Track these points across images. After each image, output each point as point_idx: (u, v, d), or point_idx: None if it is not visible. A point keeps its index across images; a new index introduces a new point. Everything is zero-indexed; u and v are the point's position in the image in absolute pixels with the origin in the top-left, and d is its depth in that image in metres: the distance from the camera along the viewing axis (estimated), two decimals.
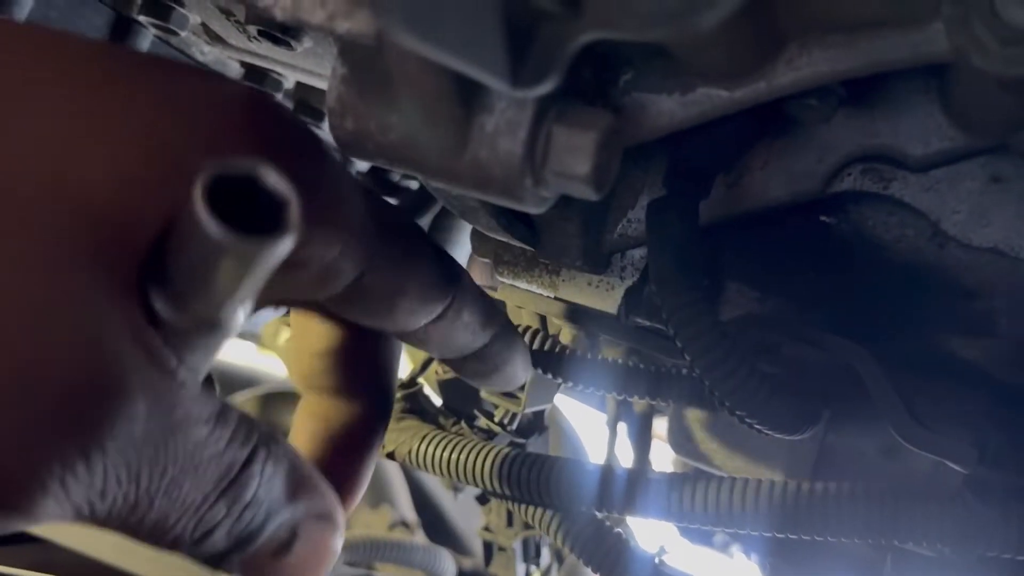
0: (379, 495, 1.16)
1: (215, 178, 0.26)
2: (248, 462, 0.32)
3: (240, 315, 0.31)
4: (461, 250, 1.05)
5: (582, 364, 0.54)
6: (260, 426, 0.33)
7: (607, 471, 0.55)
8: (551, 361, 0.54)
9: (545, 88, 0.30)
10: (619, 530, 0.57)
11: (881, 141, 0.44)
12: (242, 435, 0.32)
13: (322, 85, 0.56)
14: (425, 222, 0.96)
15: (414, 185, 1.01)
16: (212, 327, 0.31)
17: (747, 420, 0.41)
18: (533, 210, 0.37)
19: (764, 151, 0.45)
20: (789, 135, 0.45)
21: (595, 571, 0.57)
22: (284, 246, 0.27)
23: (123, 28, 0.53)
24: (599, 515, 0.57)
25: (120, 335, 0.28)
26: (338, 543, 0.36)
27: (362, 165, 0.91)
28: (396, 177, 0.98)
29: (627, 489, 0.54)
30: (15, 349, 0.26)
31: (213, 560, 0.32)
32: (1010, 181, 0.44)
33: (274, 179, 0.27)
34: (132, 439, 0.28)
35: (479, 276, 1.05)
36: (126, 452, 0.28)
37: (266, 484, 0.32)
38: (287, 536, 0.33)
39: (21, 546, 0.86)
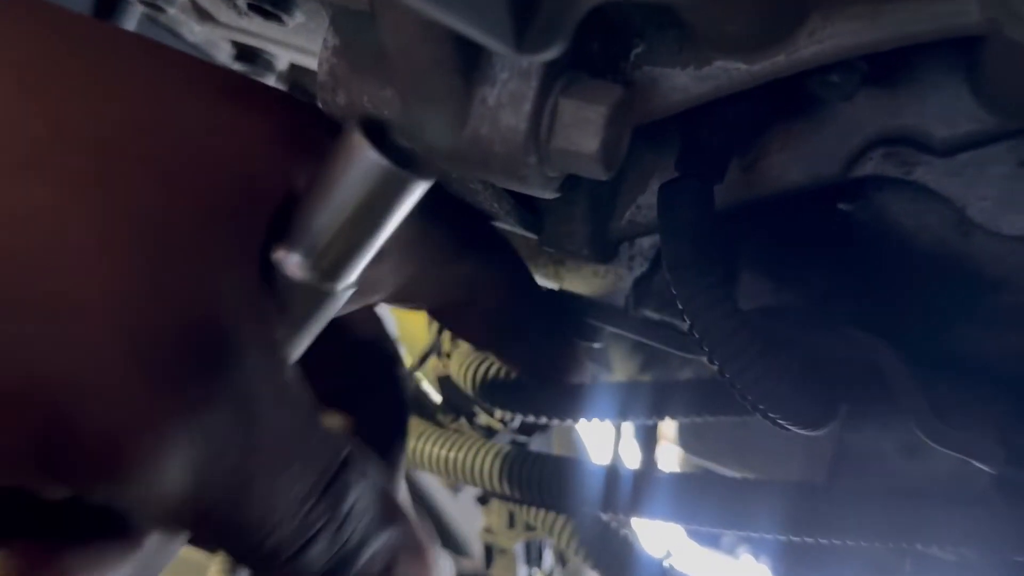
0: None
1: (363, 120, 0.29)
2: (344, 466, 0.30)
3: (349, 287, 0.32)
4: None
5: (580, 400, 0.52)
6: (348, 437, 0.32)
7: (612, 471, 0.53)
8: (548, 407, 0.52)
9: (552, 54, 0.28)
10: (625, 532, 0.55)
11: (905, 122, 0.42)
12: (335, 436, 0.31)
13: (316, 65, 0.54)
14: None
15: None
16: (320, 299, 0.32)
17: (769, 414, 0.38)
18: (538, 191, 0.35)
19: (782, 133, 0.43)
20: (808, 116, 0.42)
21: (599, 573, 0.55)
22: (424, 185, 0.30)
23: (109, 3, 0.51)
24: (604, 517, 0.55)
25: (237, 293, 0.28)
26: None
27: None
28: None
29: (633, 489, 0.51)
30: (133, 294, 0.25)
31: None
32: None
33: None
34: (241, 398, 0.27)
35: None
36: (236, 412, 0.27)
37: (363, 497, 0.31)
38: (385, 566, 0.31)
39: None
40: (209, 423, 0.26)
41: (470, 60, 0.31)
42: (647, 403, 0.53)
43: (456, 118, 0.32)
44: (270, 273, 0.30)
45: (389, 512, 0.32)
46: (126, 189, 0.27)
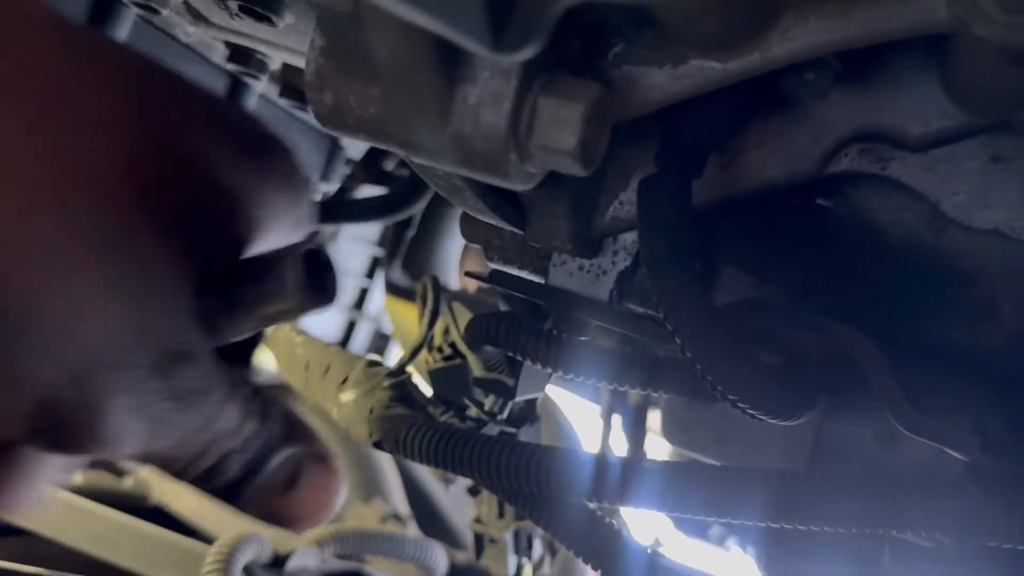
0: (372, 488, 1.14)
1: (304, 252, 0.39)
2: (247, 417, 0.38)
3: None
4: (454, 239, 1.03)
5: (573, 352, 0.53)
6: (264, 390, 0.40)
7: (601, 460, 0.54)
8: (541, 349, 0.53)
9: (528, 53, 0.29)
10: (612, 520, 0.56)
11: (879, 120, 0.42)
12: (249, 400, 0.39)
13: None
14: (417, 210, 0.94)
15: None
16: None
17: (740, 405, 0.39)
18: (519, 187, 0.36)
19: (759, 130, 0.44)
20: (785, 113, 0.43)
21: (587, 562, 0.55)
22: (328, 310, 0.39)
23: (104, 6, 0.51)
24: (591, 506, 0.56)
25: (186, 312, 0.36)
26: (340, 486, 0.41)
27: (356, 152, 0.90)
28: (390, 166, 0.97)
29: (621, 478, 0.52)
30: (116, 326, 0.33)
31: (230, 493, 0.38)
32: (1011, 160, 0.43)
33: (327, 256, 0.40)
34: (184, 393, 0.35)
35: (472, 262, 1.03)
36: (176, 400, 0.35)
37: (266, 424, 0.39)
38: (292, 472, 0.39)
39: (4, 538, 0.85)
40: (158, 411, 0.34)
41: (452, 60, 0.32)
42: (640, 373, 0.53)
43: (439, 116, 0.33)
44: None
45: (293, 431, 0.40)
46: (117, 226, 0.34)
